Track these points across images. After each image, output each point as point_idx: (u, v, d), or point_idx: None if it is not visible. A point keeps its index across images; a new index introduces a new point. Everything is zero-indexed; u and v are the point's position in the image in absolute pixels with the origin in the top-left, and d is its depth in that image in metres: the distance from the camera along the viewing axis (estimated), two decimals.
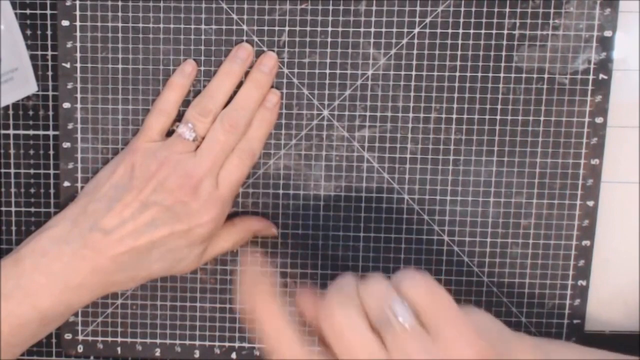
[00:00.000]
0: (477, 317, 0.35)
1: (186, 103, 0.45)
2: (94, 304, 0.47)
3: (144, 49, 0.45)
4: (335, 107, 0.45)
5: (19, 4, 0.45)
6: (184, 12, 0.45)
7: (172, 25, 0.45)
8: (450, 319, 0.32)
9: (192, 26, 0.45)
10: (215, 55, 0.45)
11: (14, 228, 0.48)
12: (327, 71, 0.45)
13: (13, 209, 0.48)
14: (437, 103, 0.45)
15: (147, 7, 0.45)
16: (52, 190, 0.47)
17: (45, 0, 0.45)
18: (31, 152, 0.47)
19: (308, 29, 0.45)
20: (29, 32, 0.46)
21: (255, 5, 0.44)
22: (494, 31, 0.44)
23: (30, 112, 0.47)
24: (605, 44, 0.44)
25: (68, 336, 0.48)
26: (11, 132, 0.47)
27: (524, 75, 0.45)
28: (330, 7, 0.44)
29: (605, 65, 0.44)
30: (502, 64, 0.45)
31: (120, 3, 0.45)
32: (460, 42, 0.44)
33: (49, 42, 0.46)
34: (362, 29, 0.44)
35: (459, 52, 0.44)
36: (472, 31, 0.44)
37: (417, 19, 0.44)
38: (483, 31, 0.44)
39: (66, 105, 0.46)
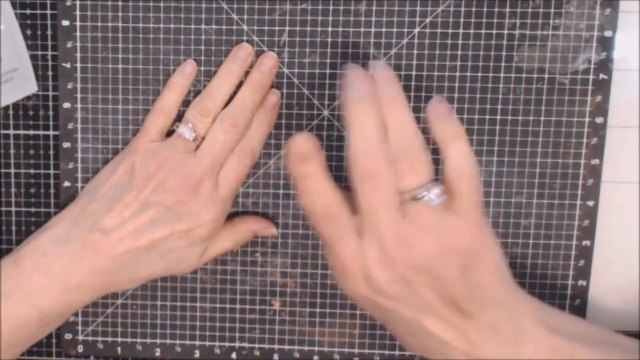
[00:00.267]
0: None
1: (186, 103, 0.45)
2: (94, 304, 0.47)
3: (144, 49, 0.45)
4: (335, 107, 0.45)
5: (19, 4, 0.45)
6: (184, 12, 0.45)
7: (172, 25, 0.45)
8: (474, 193, 0.37)
9: (192, 26, 0.45)
10: (215, 55, 0.45)
11: (14, 228, 0.48)
12: (327, 71, 0.45)
13: (13, 209, 0.48)
14: None
15: (147, 7, 0.45)
16: (52, 190, 0.47)
17: (45, 0, 0.45)
18: (31, 152, 0.47)
19: (308, 29, 0.45)
20: (29, 32, 0.46)
21: (255, 5, 0.44)
22: (494, 31, 0.44)
23: (30, 112, 0.47)
24: (606, 44, 0.44)
25: (68, 336, 0.48)
26: (11, 132, 0.47)
27: (524, 75, 0.45)
28: (330, 7, 0.44)
29: (605, 65, 0.44)
30: (502, 64, 0.45)
31: (120, 3, 0.45)
32: (460, 42, 0.44)
33: (49, 42, 0.46)
34: (362, 29, 0.44)
35: (459, 52, 0.44)
36: (472, 31, 0.44)
37: (417, 19, 0.44)
38: (483, 31, 0.44)
39: (66, 105, 0.46)
